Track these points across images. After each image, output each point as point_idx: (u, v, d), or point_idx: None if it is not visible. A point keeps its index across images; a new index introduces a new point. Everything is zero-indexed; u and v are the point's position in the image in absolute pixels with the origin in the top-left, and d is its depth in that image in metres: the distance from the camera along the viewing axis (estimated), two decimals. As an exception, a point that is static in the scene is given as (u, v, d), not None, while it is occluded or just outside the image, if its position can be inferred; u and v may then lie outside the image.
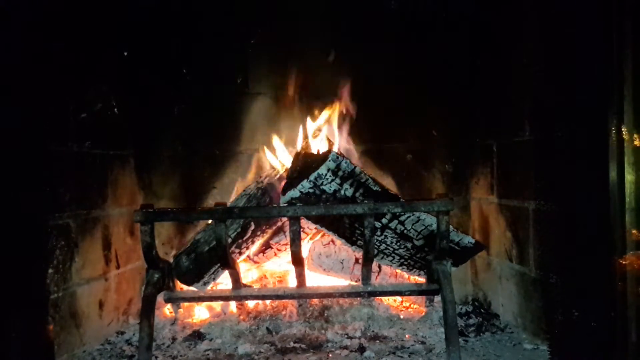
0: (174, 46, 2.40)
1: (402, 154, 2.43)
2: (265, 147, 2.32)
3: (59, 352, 1.75)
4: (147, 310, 1.64)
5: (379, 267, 2.17)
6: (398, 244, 1.99)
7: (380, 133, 2.42)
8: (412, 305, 2.26)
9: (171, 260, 2.01)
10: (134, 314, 2.28)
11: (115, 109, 2.20)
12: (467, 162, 2.43)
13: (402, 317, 2.11)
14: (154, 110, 2.40)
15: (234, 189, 2.38)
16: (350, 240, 1.99)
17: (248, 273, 2.29)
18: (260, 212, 1.90)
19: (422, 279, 2.03)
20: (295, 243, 1.67)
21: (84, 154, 1.97)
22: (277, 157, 2.27)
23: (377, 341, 1.93)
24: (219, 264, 1.95)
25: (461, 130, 2.41)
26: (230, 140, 2.42)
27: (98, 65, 2.12)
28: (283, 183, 2.01)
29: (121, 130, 2.27)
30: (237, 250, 2.05)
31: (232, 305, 2.17)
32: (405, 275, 2.14)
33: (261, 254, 2.22)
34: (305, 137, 2.30)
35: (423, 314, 2.14)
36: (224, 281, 2.15)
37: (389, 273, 2.20)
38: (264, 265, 2.30)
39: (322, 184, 1.88)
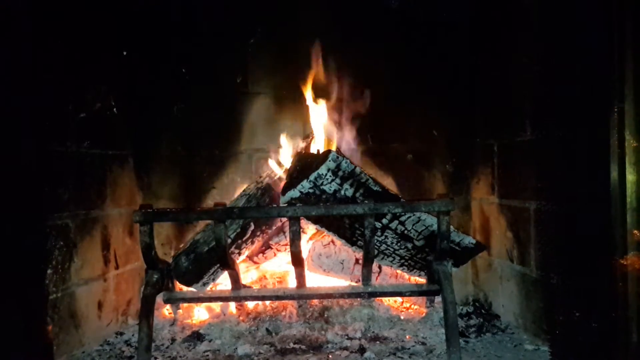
0: (174, 46, 2.39)
1: (402, 154, 2.43)
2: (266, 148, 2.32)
3: (58, 352, 1.75)
4: (146, 310, 1.63)
5: (380, 267, 2.17)
6: (398, 244, 1.98)
7: (381, 133, 2.41)
8: (412, 306, 2.25)
9: (170, 260, 2.01)
10: (133, 314, 2.27)
11: (115, 109, 2.20)
12: (468, 162, 2.43)
13: (402, 317, 2.11)
14: (153, 110, 2.40)
15: (233, 189, 2.38)
16: (351, 241, 1.98)
17: (248, 274, 2.29)
18: (260, 212, 1.89)
19: (422, 280, 2.03)
20: (295, 243, 1.66)
21: (83, 154, 1.96)
22: (277, 157, 2.27)
23: (378, 342, 1.92)
24: (218, 265, 1.94)
25: (462, 130, 2.41)
26: (229, 140, 2.41)
27: (97, 65, 2.11)
28: (283, 183, 2.01)
29: (120, 130, 2.27)
30: (237, 251, 2.05)
31: (232, 306, 2.16)
32: (406, 275, 2.14)
33: (261, 255, 2.21)
34: (306, 137, 2.30)
35: (423, 314, 2.14)
36: (223, 282, 2.14)
37: (389, 274, 2.20)
38: (263, 266, 2.29)
39: (322, 184, 1.88)
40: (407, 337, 1.97)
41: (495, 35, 2.22)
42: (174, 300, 1.82)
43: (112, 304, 2.14)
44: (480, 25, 2.33)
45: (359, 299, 2.08)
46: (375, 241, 1.93)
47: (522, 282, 2.01)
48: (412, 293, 1.82)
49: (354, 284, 2.12)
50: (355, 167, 1.91)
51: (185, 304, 2.16)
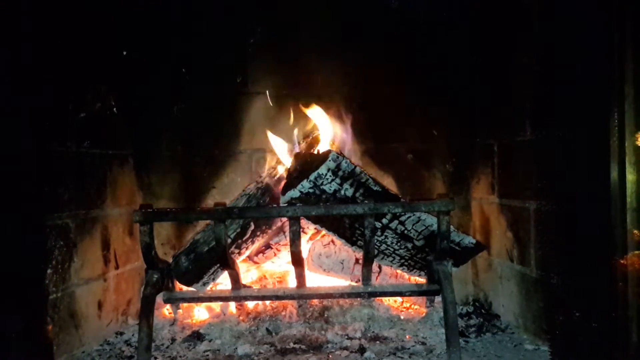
0: (174, 46, 2.39)
1: (402, 153, 2.43)
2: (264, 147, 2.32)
3: (57, 352, 1.74)
4: (146, 310, 1.63)
5: (379, 267, 2.17)
6: (398, 244, 1.98)
7: (381, 133, 2.42)
8: (412, 306, 2.25)
9: (170, 260, 2.01)
10: (133, 314, 2.27)
11: (115, 109, 2.20)
12: (468, 162, 2.42)
13: (402, 317, 2.11)
14: (153, 110, 2.40)
15: (233, 189, 2.37)
16: (351, 241, 1.98)
17: (248, 273, 2.29)
18: (260, 212, 1.89)
19: (422, 280, 2.03)
20: (295, 243, 1.66)
21: (83, 154, 1.96)
22: (277, 157, 2.27)
23: (378, 342, 1.92)
24: (218, 265, 1.94)
25: (462, 130, 2.41)
26: (229, 139, 2.41)
27: (97, 65, 2.11)
28: (283, 183, 2.01)
29: (120, 129, 2.27)
30: (237, 251, 2.05)
31: (232, 306, 2.16)
32: (406, 275, 2.14)
33: (261, 254, 2.21)
34: (306, 136, 2.30)
35: (423, 314, 2.14)
36: (223, 282, 2.14)
37: (389, 273, 2.20)
38: (263, 266, 2.29)
39: (322, 184, 1.87)
40: (407, 337, 1.97)
41: (495, 35, 2.22)
42: (174, 300, 1.83)
43: (112, 304, 2.14)
44: (480, 25, 2.33)
45: (359, 299, 2.08)
46: (375, 241, 1.93)
47: (522, 282, 2.01)
48: (412, 293, 1.82)
49: (354, 283, 2.12)
50: (355, 167, 1.91)
51: (185, 304, 2.16)
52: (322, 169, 1.86)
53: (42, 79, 1.66)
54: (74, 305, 1.87)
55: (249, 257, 2.20)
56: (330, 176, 1.87)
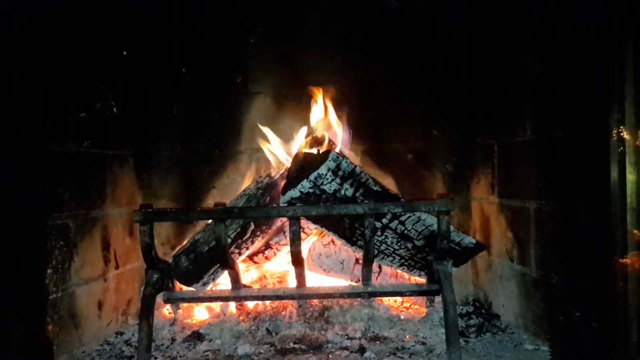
0: (174, 46, 2.39)
1: (402, 153, 2.43)
2: (265, 147, 2.31)
3: (58, 352, 1.75)
4: (146, 310, 1.63)
5: (380, 267, 2.16)
6: (398, 244, 1.98)
7: (381, 133, 2.41)
8: (412, 306, 2.25)
9: (170, 260, 2.01)
10: (133, 314, 2.27)
11: (115, 109, 2.20)
12: (468, 162, 2.42)
13: (402, 317, 2.11)
14: (153, 110, 2.40)
15: (233, 189, 2.37)
16: (351, 241, 1.98)
17: (247, 273, 2.29)
18: (260, 212, 1.89)
19: (422, 280, 2.02)
20: (295, 243, 1.66)
21: (83, 154, 1.96)
22: (277, 157, 2.27)
23: (378, 342, 1.92)
24: (218, 264, 1.94)
25: (462, 130, 2.41)
26: (229, 139, 2.41)
27: (98, 65, 2.11)
28: (283, 183, 2.01)
29: (120, 129, 2.26)
30: (237, 251, 2.05)
31: (232, 306, 2.16)
32: (406, 275, 2.13)
33: (261, 254, 2.21)
34: (306, 136, 2.29)
35: (423, 314, 2.14)
36: (223, 281, 2.14)
37: (389, 273, 2.20)
38: (263, 266, 2.29)
39: (322, 183, 1.87)
40: (407, 337, 1.97)
41: (495, 34, 2.22)
42: (174, 300, 1.83)
43: (112, 304, 2.14)
44: (481, 24, 2.33)
45: (359, 299, 2.08)
46: (375, 241, 1.93)
47: (522, 282, 2.01)
48: (412, 293, 1.82)
49: (354, 283, 2.12)
50: (355, 166, 1.91)
51: (185, 304, 2.16)
52: (322, 169, 1.86)
53: (42, 79, 1.66)
54: (74, 305, 1.87)
55: (249, 257, 2.20)
56: (330, 176, 1.87)
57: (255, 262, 2.24)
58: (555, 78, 1.65)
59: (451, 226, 1.76)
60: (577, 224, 1.57)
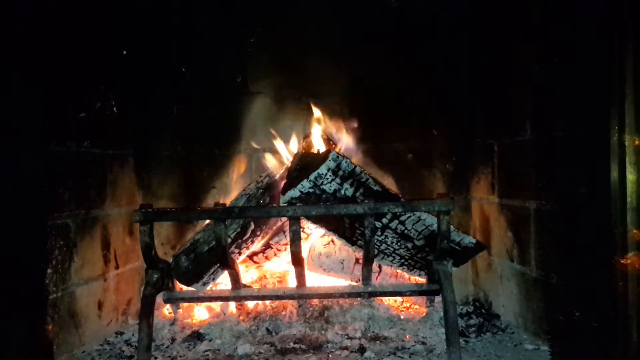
0: (174, 46, 2.40)
1: (402, 153, 2.43)
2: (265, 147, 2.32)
3: (58, 352, 1.75)
4: (146, 310, 1.63)
5: (380, 267, 2.17)
6: (398, 244, 1.98)
7: (381, 132, 2.42)
8: (412, 306, 2.25)
9: (170, 260, 2.01)
10: (133, 314, 2.27)
11: (115, 109, 2.20)
12: (468, 162, 2.42)
13: (402, 317, 2.11)
14: (154, 110, 2.40)
15: (233, 188, 2.38)
16: (351, 241, 1.98)
17: (248, 273, 2.29)
18: (260, 212, 1.89)
19: (422, 280, 2.02)
20: (295, 243, 1.66)
21: (83, 154, 1.96)
22: (277, 157, 2.27)
23: (378, 342, 1.92)
24: (218, 264, 1.94)
25: (462, 130, 2.41)
26: (229, 139, 2.41)
27: (98, 65, 2.11)
28: (283, 183, 2.01)
29: (120, 129, 2.27)
30: (237, 251, 2.05)
31: (232, 306, 2.16)
32: (406, 275, 2.14)
33: (261, 254, 2.21)
34: (306, 136, 2.30)
35: (423, 314, 2.14)
36: (223, 281, 2.14)
37: (389, 273, 2.20)
38: (263, 266, 2.29)
39: (322, 183, 1.87)
40: (407, 336, 1.97)
41: (495, 34, 2.22)
42: (174, 300, 1.83)
43: (112, 304, 2.14)
44: (481, 24, 2.33)
45: (359, 299, 2.08)
46: (376, 241, 1.93)
47: (522, 282, 2.01)
48: (412, 293, 1.82)
49: (354, 283, 2.12)
50: (356, 166, 1.91)
51: (185, 304, 2.16)
52: (322, 169, 1.86)
53: (42, 79, 1.66)
54: (74, 305, 1.87)
55: (249, 257, 2.20)
56: (330, 176, 1.87)
57: (255, 262, 2.24)
58: (555, 78, 1.65)
59: (451, 226, 1.76)
60: (577, 223, 1.57)
